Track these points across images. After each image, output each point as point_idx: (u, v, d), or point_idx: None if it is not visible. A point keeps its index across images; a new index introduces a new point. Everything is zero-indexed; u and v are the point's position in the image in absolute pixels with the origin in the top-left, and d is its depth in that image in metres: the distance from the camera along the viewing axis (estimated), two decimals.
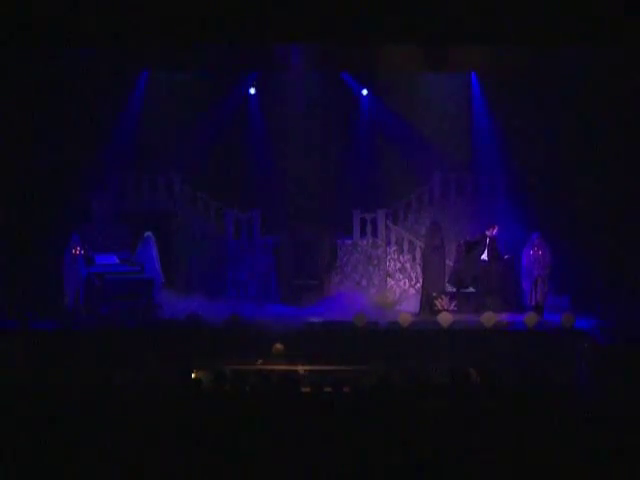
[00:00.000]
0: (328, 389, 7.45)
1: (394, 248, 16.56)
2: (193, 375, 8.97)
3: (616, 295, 13.49)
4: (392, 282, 16.50)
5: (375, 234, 16.53)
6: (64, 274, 13.83)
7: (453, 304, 14.08)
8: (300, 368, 11.49)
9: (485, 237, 14.54)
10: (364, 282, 16.43)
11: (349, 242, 16.54)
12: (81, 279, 13.84)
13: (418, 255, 16.19)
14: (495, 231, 14.56)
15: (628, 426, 6.51)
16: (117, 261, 14.71)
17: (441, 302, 14.05)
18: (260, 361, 11.79)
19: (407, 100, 16.62)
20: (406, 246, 16.51)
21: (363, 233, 16.54)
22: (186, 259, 16.39)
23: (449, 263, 15.08)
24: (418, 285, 15.78)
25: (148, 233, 14.82)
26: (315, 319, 13.43)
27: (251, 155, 17.09)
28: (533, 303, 14.12)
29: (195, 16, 11.90)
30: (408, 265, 16.47)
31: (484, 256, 14.48)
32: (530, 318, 13.01)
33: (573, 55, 13.82)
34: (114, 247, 15.01)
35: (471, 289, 14.61)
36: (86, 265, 14.06)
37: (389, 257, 16.55)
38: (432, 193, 16.87)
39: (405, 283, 16.46)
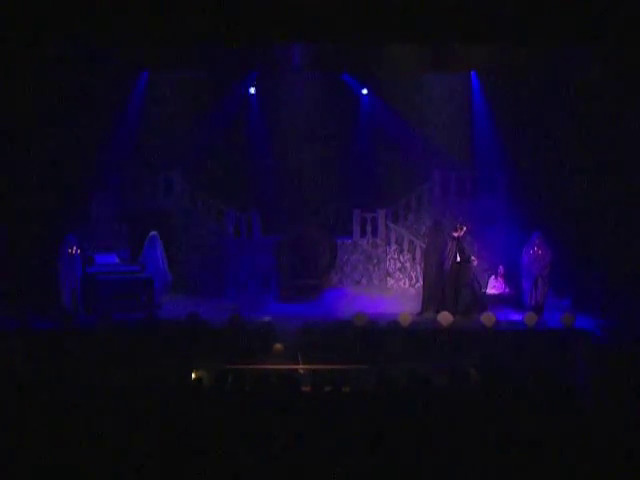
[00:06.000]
0: (328, 389, 7.45)
1: (394, 247, 16.59)
2: (193, 375, 8.99)
3: (616, 295, 13.47)
4: (392, 281, 16.53)
5: (375, 233, 16.56)
6: (60, 274, 13.83)
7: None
8: (300, 368, 11.48)
9: (453, 238, 13.99)
10: (364, 281, 16.46)
11: (349, 242, 16.56)
12: (77, 279, 13.85)
13: (418, 255, 16.20)
14: (462, 232, 14.01)
15: (628, 426, 6.51)
16: (117, 261, 14.74)
17: None
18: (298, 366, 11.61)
19: (407, 100, 16.67)
20: (406, 245, 16.53)
21: (363, 233, 16.57)
22: (186, 259, 16.41)
23: None
24: (418, 285, 15.79)
25: (154, 232, 14.84)
26: (315, 319, 13.42)
27: (251, 155, 17.12)
28: (533, 303, 14.13)
29: (195, 16, 11.90)
30: (408, 264, 16.49)
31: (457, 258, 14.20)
32: (530, 318, 13.01)
33: (573, 55, 13.82)
34: (114, 247, 15.04)
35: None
36: (84, 265, 14.07)
37: (389, 256, 16.57)
38: (432, 192, 16.90)
39: (405, 282, 16.48)
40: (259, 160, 17.08)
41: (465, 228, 14.05)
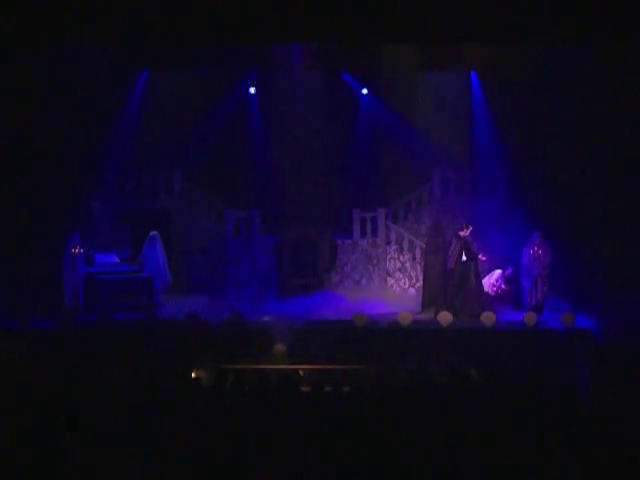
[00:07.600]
0: (328, 389, 7.45)
1: (394, 247, 16.58)
2: (193, 375, 8.99)
3: (616, 295, 13.47)
4: (392, 281, 16.52)
5: (375, 233, 16.55)
6: (64, 273, 13.84)
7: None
8: (300, 368, 11.48)
9: (458, 238, 14.03)
10: (364, 281, 16.45)
11: (349, 242, 16.56)
12: (80, 278, 13.86)
13: (418, 254, 16.20)
14: (469, 232, 14.03)
15: (628, 426, 6.51)
16: (117, 261, 14.74)
17: None
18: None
19: (407, 100, 16.65)
20: (406, 245, 16.52)
21: (363, 232, 16.57)
22: (186, 259, 16.40)
23: None
24: (418, 284, 15.79)
25: (154, 232, 14.84)
26: (315, 319, 13.42)
27: (251, 155, 17.11)
28: (533, 303, 14.13)
29: (195, 16, 11.90)
30: (408, 264, 16.48)
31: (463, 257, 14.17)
32: (530, 318, 13.02)
33: (573, 55, 13.81)
34: (114, 247, 15.04)
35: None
36: (86, 264, 14.09)
37: (389, 256, 16.56)
38: (432, 192, 16.90)
39: (405, 282, 16.47)
40: (259, 160, 17.07)
41: (471, 228, 14.09)
